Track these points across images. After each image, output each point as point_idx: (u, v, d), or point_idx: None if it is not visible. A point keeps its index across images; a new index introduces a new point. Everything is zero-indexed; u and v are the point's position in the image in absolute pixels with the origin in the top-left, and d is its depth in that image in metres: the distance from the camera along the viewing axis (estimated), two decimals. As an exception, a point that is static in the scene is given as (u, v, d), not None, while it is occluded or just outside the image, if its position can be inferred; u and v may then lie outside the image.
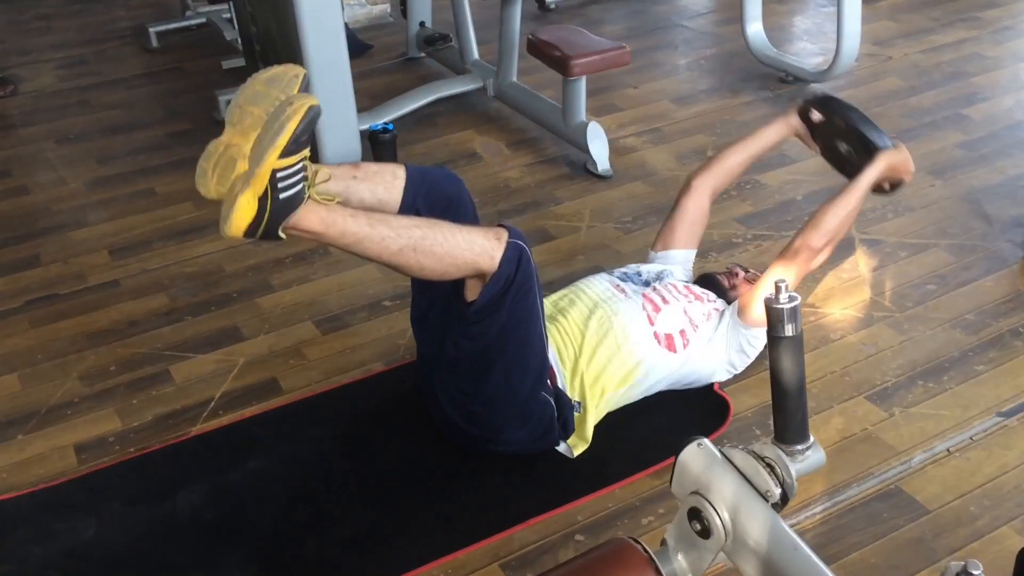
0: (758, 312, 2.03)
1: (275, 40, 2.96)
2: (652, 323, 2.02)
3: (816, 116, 2.31)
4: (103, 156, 3.38)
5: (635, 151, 3.25)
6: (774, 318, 1.03)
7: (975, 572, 0.82)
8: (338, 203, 1.68)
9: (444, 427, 1.99)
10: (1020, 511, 1.82)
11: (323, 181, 1.68)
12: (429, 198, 1.87)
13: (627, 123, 3.45)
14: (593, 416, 1.98)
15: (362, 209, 1.75)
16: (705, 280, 2.26)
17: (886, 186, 2.29)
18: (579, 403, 1.96)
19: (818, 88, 2.39)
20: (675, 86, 3.76)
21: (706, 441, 1.08)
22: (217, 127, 3.47)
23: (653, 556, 1.05)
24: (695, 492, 1.05)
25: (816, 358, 2.25)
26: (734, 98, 3.61)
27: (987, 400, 2.10)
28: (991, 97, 3.51)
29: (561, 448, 1.98)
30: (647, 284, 2.14)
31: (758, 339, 2.09)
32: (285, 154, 1.54)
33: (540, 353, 1.87)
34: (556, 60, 3.01)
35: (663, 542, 1.12)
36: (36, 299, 2.59)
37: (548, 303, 2.09)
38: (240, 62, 3.72)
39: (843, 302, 2.45)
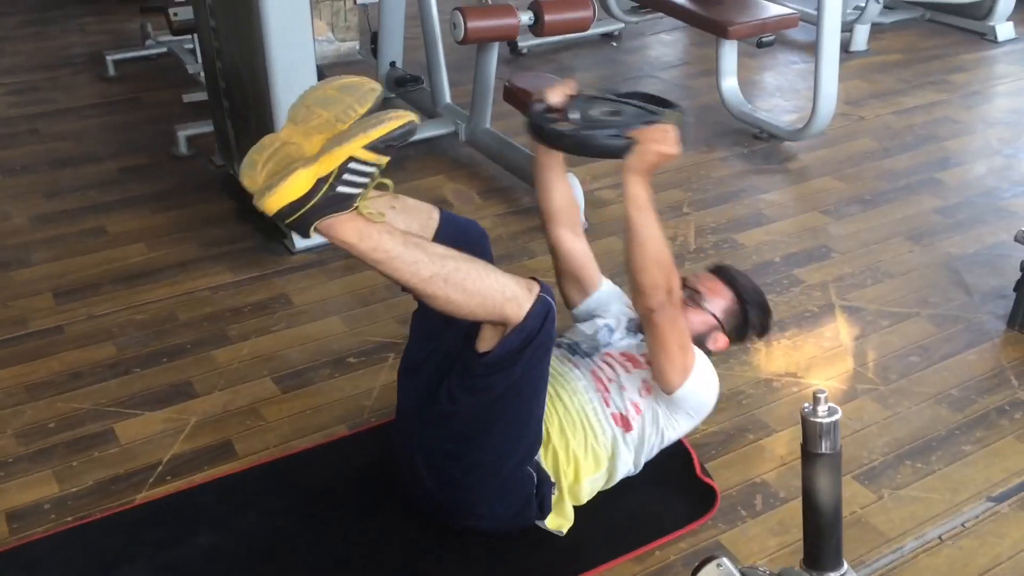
0: (668, 382, 1.82)
1: (242, 76, 2.83)
2: (608, 404, 1.89)
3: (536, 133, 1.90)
4: (51, 190, 3.20)
5: (610, 204, 3.17)
6: (810, 432, 0.93)
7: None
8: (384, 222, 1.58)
9: (416, 494, 1.85)
10: (1017, 607, 1.74)
11: (381, 195, 1.62)
12: (456, 243, 1.76)
13: (601, 175, 3.37)
14: (570, 497, 1.86)
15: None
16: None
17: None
18: (554, 484, 1.84)
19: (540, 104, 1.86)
20: (649, 138, 3.69)
21: (726, 562, 0.97)
22: (174, 162, 3.39)
23: None
24: (713, 621, 0.94)
25: (800, 433, 2.16)
26: (709, 153, 3.56)
27: (977, 483, 2.03)
28: (964, 163, 3.50)
29: (546, 528, 1.85)
30: (590, 356, 1.98)
31: (690, 394, 1.86)
32: (371, 147, 1.48)
33: (538, 423, 1.76)
34: (533, 110, 2.92)
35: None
36: (-29, 345, 2.41)
37: None
38: (202, 96, 3.57)
39: (826, 373, 2.37)
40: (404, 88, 3.79)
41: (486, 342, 1.65)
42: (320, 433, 2.14)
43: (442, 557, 1.83)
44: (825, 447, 0.93)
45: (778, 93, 4.15)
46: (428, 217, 1.79)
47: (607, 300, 2.13)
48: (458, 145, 3.50)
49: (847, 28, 4.57)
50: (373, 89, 1.55)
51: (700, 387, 1.87)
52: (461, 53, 3.71)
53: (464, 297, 1.58)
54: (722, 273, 2.08)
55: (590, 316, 2.11)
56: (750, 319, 2.03)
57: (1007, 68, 4.43)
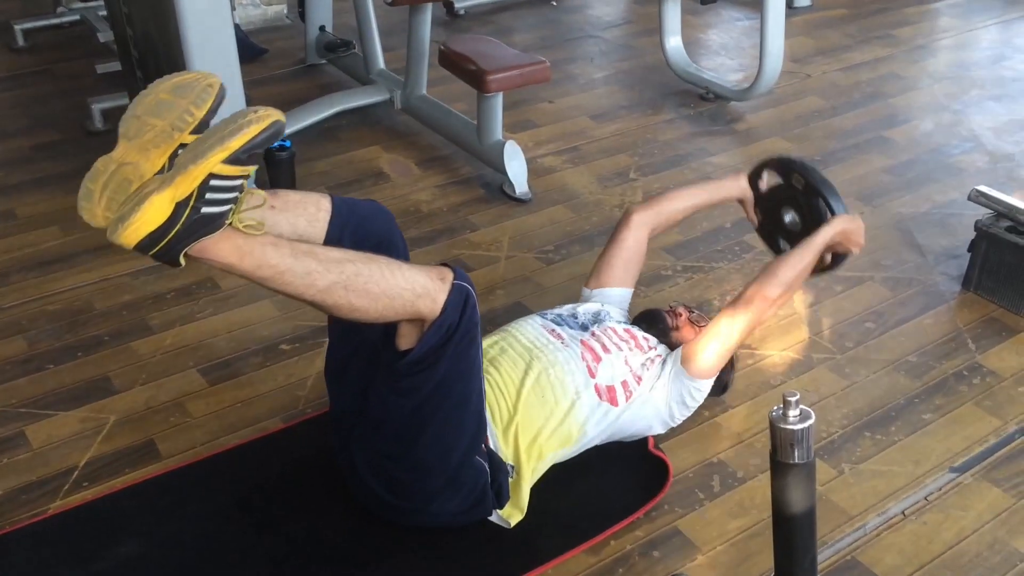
0: (704, 362, 1.85)
1: (155, 43, 2.63)
2: (593, 375, 1.81)
3: (766, 182, 2.14)
4: (-45, 171, 2.98)
5: (554, 172, 3.05)
6: (781, 439, 0.82)
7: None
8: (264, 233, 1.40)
9: (361, 496, 1.74)
10: (984, 583, 1.68)
11: (254, 206, 1.41)
12: (357, 235, 1.61)
13: (544, 141, 3.24)
14: (528, 481, 1.75)
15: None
16: (647, 318, 2.06)
17: (828, 258, 2.05)
18: (512, 467, 1.73)
19: (778, 152, 2.20)
20: (593, 101, 3.57)
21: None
22: (90, 138, 3.17)
23: None
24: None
25: (757, 407, 2.09)
26: (655, 115, 3.44)
27: (938, 454, 1.97)
28: (911, 119, 3.44)
29: (495, 519, 1.74)
30: (585, 328, 1.93)
31: (701, 391, 1.90)
32: (232, 160, 1.29)
33: (478, 412, 1.64)
34: (471, 74, 2.78)
35: None
36: None
37: None
38: (116, 66, 3.34)
39: (781, 342, 2.29)
40: (335, 54, 3.61)
41: (405, 339, 1.52)
42: (252, 428, 2.00)
43: (386, 557, 1.71)
44: (797, 456, 0.83)
45: (723, 52, 4.05)
46: (316, 208, 1.59)
47: (615, 302, 2.09)
48: (393, 113, 3.34)
49: (791, -17, 4.48)
50: (211, 85, 1.35)
51: (707, 389, 1.91)
52: (394, 16, 3.54)
53: (369, 302, 1.43)
54: None
55: (600, 301, 2.08)
56: (732, 370, 2.08)
57: (951, 21, 4.38)
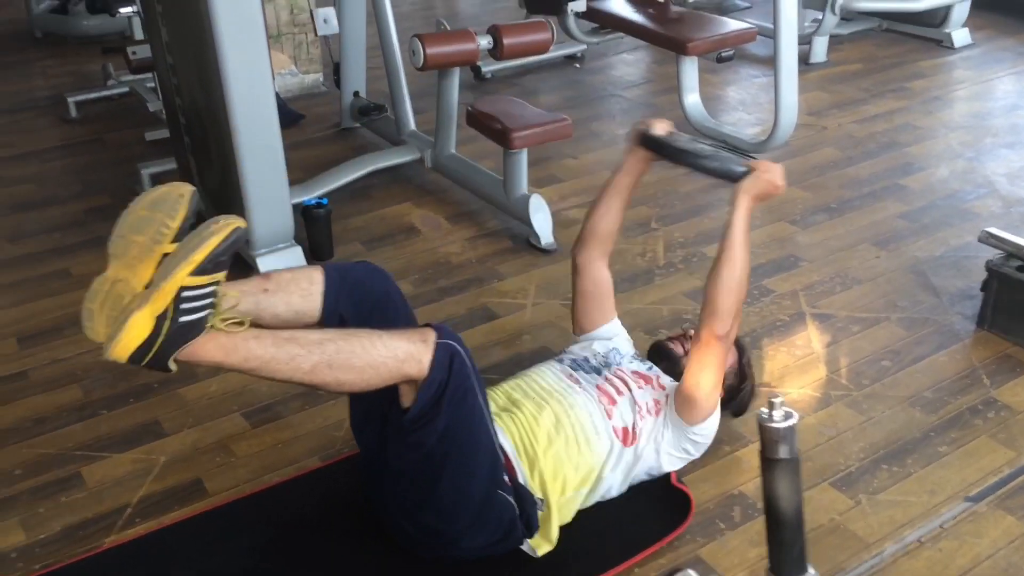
0: (693, 413, 1.93)
1: (201, 111, 2.82)
2: (610, 417, 1.91)
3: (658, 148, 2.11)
4: (14, 234, 3.17)
5: (579, 223, 3.10)
6: (768, 438, 0.92)
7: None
8: (250, 326, 1.51)
9: (396, 534, 1.83)
10: (999, 606, 1.73)
11: (231, 307, 1.52)
12: (352, 299, 1.73)
13: (568, 195, 3.38)
14: (556, 515, 1.83)
15: (278, 325, 1.62)
16: (656, 352, 2.16)
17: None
18: (542, 500, 1.82)
19: (651, 128, 2.14)
20: (615, 156, 3.68)
21: (691, 573, 0.96)
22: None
23: None
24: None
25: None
26: (675, 168, 3.52)
27: (953, 484, 2.02)
28: (926, 167, 3.54)
29: (525, 548, 1.83)
30: (599, 372, 2.02)
31: (704, 431, 1.98)
32: (199, 272, 1.42)
33: (489, 453, 1.73)
34: (497, 132, 2.93)
35: None
36: (-68, 394, 2.37)
37: (500, 393, 1.96)
38: (164, 133, 3.55)
39: (799, 381, 2.37)
40: (368, 117, 3.80)
41: (406, 397, 1.62)
42: (292, 466, 2.11)
43: (419, 587, 1.80)
44: (784, 452, 0.92)
45: (741, 107, 4.19)
46: (309, 283, 1.70)
47: (614, 335, 2.17)
48: (424, 172, 3.50)
49: (806, 41, 4.63)
50: (182, 195, 1.47)
51: (713, 427, 1.96)
52: (424, 81, 3.72)
53: (355, 375, 1.54)
54: (737, 343, 2.14)
55: (599, 337, 2.15)
56: (743, 390, 2.14)
57: (964, 73, 4.49)
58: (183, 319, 1.41)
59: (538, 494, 1.82)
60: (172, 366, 1.45)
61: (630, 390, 1.96)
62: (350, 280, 1.74)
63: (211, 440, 2.20)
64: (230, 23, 2.46)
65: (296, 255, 2.82)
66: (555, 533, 1.83)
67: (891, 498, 1.99)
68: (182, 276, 1.39)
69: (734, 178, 1.96)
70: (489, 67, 4.52)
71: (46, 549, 1.90)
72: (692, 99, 3.76)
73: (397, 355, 1.55)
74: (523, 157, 3.00)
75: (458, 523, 1.74)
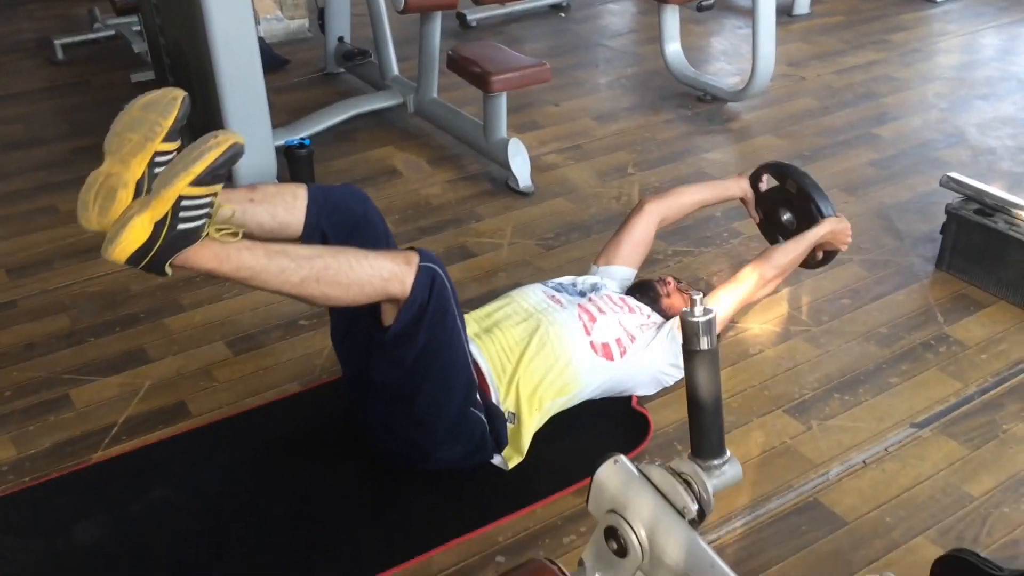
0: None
1: (185, 52, 2.87)
2: (588, 333, 2.01)
3: (765, 184, 2.42)
4: (2, 173, 3.22)
5: (556, 168, 3.24)
6: (689, 331, 1.01)
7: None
8: (243, 236, 1.59)
9: (376, 448, 1.94)
10: (934, 521, 1.84)
11: (227, 218, 1.60)
12: (334, 218, 1.80)
13: (548, 140, 3.44)
14: (529, 427, 1.95)
15: (262, 234, 1.69)
16: (638, 288, 2.26)
17: (819, 255, 2.37)
18: (514, 414, 1.93)
19: (773, 156, 2.57)
20: (596, 104, 3.77)
21: (623, 458, 1.05)
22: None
23: (570, 578, 1.02)
24: (612, 511, 1.02)
25: (736, 372, 2.26)
26: (654, 116, 3.64)
27: (901, 412, 2.13)
28: (901, 117, 3.61)
29: (496, 461, 1.94)
30: (582, 295, 2.13)
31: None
32: (198, 182, 1.48)
33: (465, 372, 1.83)
34: (476, 76, 2.99)
35: (580, 563, 1.08)
36: (-75, 322, 2.45)
37: (482, 314, 2.06)
38: (150, 75, 3.60)
39: (761, 317, 2.46)
40: (352, 62, 3.84)
41: (387, 316, 1.71)
42: (273, 391, 2.21)
43: (395, 499, 1.89)
44: (704, 344, 1.01)
45: (723, 57, 4.24)
46: (293, 197, 1.77)
47: (618, 278, 2.29)
48: (407, 116, 3.56)
49: (790, -8, 4.68)
50: (175, 98, 1.54)
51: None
52: (408, 29, 3.76)
53: (341, 291, 1.62)
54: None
55: (603, 275, 2.29)
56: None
57: (946, 26, 4.54)
58: (180, 227, 1.49)
59: (511, 409, 1.92)
60: (168, 271, 1.53)
61: (616, 312, 2.07)
62: (332, 199, 1.81)
63: (195, 366, 2.29)
64: (212, -38, 2.51)
65: (279, 194, 2.89)
66: (525, 445, 1.94)
67: (841, 424, 2.10)
68: (182, 185, 1.47)
69: (827, 213, 2.32)
70: (474, 15, 4.55)
71: (36, 464, 2.00)
72: (673, 48, 3.81)
73: (382, 274, 1.63)
74: (502, 101, 3.06)
75: (434, 435, 1.84)
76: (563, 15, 4.77)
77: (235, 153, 1.51)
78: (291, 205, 1.77)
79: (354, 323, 1.85)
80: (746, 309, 2.48)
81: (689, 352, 1.04)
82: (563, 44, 4.43)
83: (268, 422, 2.12)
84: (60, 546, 1.80)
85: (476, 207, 3.01)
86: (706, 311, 1.02)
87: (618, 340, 2.04)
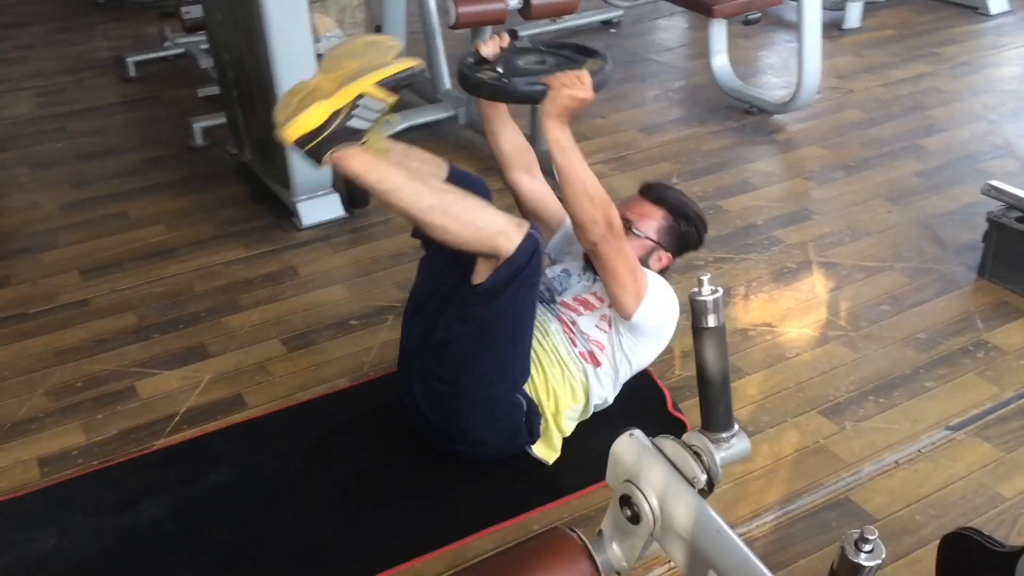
0: (623, 302, 1.94)
1: (246, 66, 3.02)
2: (575, 345, 2.03)
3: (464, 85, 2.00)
4: (77, 181, 3.42)
5: (601, 177, 3.20)
6: (697, 310, 1.08)
7: (870, 536, 0.86)
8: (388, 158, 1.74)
9: (417, 423, 2.03)
10: (965, 520, 1.87)
11: (388, 133, 1.76)
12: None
13: (595, 151, 3.52)
14: (556, 427, 2.02)
15: None
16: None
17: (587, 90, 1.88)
18: (541, 414, 2.00)
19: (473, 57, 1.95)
20: (643, 116, 3.84)
21: (638, 432, 1.13)
22: (191, 153, 3.58)
23: (588, 544, 1.09)
24: (627, 480, 1.09)
25: (772, 374, 2.30)
26: (700, 127, 3.70)
27: (936, 415, 2.15)
28: (947, 128, 3.61)
29: (535, 455, 2.01)
30: (553, 302, 2.11)
31: (647, 313, 1.96)
32: (381, 85, 1.65)
33: (524, 354, 1.91)
34: (523, 88, 3.08)
35: (599, 532, 1.16)
36: (4, 318, 2.61)
37: None
38: (215, 90, 3.77)
39: (799, 322, 2.50)
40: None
41: (480, 275, 1.81)
42: (324, 386, 2.32)
43: (436, 487, 1.99)
44: (711, 322, 1.08)
45: (770, 70, 4.28)
46: (438, 167, 1.95)
47: (572, 238, 2.17)
48: (458, 128, 3.67)
49: (840, 6, 4.70)
50: (392, 46, 1.72)
51: (657, 306, 1.98)
52: (462, 45, 3.88)
53: (459, 227, 1.75)
54: (649, 193, 2.16)
55: (559, 256, 2.25)
56: (684, 231, 2.15)
57: (997, 39, 4.51)
58: (350, 123, 1.65)
59: (538, 408, 1.99)
60: (326, 160, 1.68)
61: (577, 320, 2.05)
62: (467, 182, 1.94)
63: (251, 362, 2.41)
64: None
65: (334, 201, 3.03)
66: (558, 443, 2.02)
67: (875, 425, 2.13)
68: (367, 83, 1.63)
69: (536, 101, 1.88)
70: (526, 31, 4.66)
71: (103, 449, 2.14)
72: (720, 61, 3.87)
73: (496, 225, 1.76)
74: (549, 112, 3.14)
75: (476, 411, 1.92)
76: (613, 30, 4.86)
77: (416, 74, 1.70)
78: (435, 174, 1.91)
79: (440, 288, 1.93)
80: (785, 314, 2.52)
81: (697, 330, 1.10)
82: (612, 58, 4.49)
83: (319, 415, 2.23)
84: (122, 525, 1.92)
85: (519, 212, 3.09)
86: (713, 290, 1.09)
87: (592, 348, 2.01)
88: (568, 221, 2.19)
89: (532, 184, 2.19)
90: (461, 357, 1.88)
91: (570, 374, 2.01)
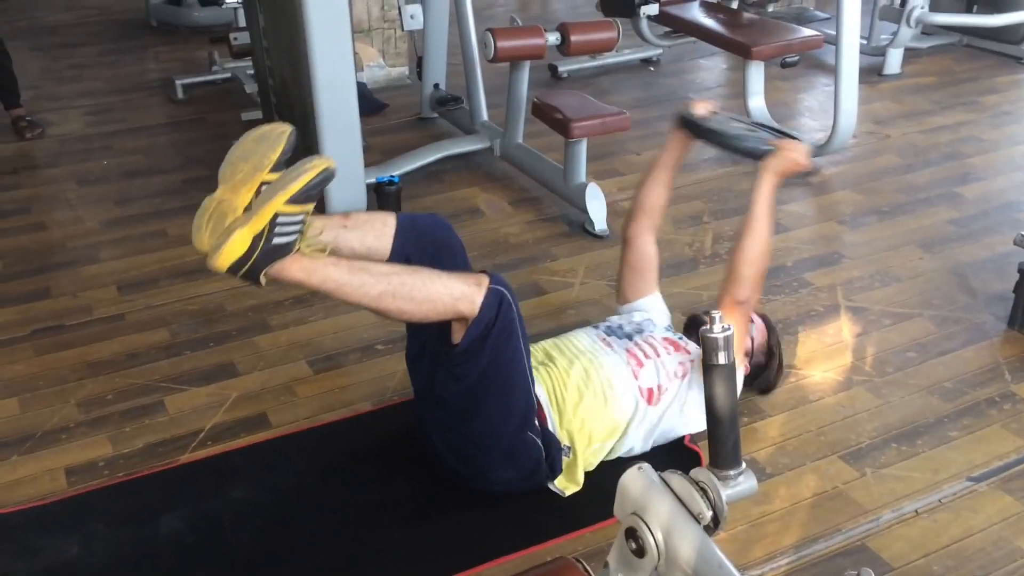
0: None
1: (290, 92, 3.10)
2: (636, 377, 2.07)
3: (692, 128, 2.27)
4: (121, 198, 3.51)
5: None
6: (708, 347, 1.09)
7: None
8: (328, 254, 1.76)
9: (438, 463, 2.05)
10: (982, 573, 1.84)
11: (316, 235, 1.77)
12: (419, 244, 1.96)
13: (627, 187, 3.54)
14: (582, 461, 2.03)
15: (352, 257, 1.85)
16: (691, 323, 2.32)
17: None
18: (569, 447, 2.01)
19: (691, 110, 2.27)
20: (677, 155, 3.86)
21: (647, 465, 1.14)
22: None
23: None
24: (634, 513, 1.10)
25: (793, 417, 2.30)
26: (734, 167, 3.71)
27: (958, 465, 2.13)
28: (985, 177, 3.59)
29: (552, 487, 2.03)
30: (630, 338, 2.20)
31: None
32: (293, 201, 1.66)
33: (524, 395, 1.93)
34: (558, 122, 3.13)
35: (605, 564, 1.17)
36: (42, 329, 2.69)
37: (539, 350, 2.15)
38: (258, 114, 3.87)
39: (824, 365, 2.49)
40: (445, 107, 4.04)
41: (456, 334, 1.84)
42: (347, 408, 2.35)
43: (451, 515, 2.00)
44: (721, 359, 1.09)
45: (807, 113, 4.29)
46: (383, 225, 1.94)
47: (653, 307, 2.33)
48: (493, 159, 3.73)
49: (880, 52, 4.71)
50: (283, 132, 1.72)
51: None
52: (500, 79, 3.95)
53: (415, 306, 1.76)
54: (767, 320, 2.35)
55: (631, 312, 2.32)
56: (771, 368, 2.30)
57: (1040, 90, 4.49)
58: (276, 240, 1.66)
59: (566, 442, 2.01)
60: (263, 280, 1.70)
61: (658, 355, 2.12)
62: (418, 227, 1.98)
63: (278, 382, 2.45)
64: (319, 10, 2.73)
65: (367, 227, 3.08)
66: (580, 477, 2.03)
67: (896, 473, 2.11)
68: (279, 203, 1.64)
69: (759, 157, 2.13)
70: (565, 67, 4.72)
71: (129, 461, 2.18)
72: (756, 102, 3.89)
73: (453, 293, 1.77)
74: (582, 147, 3.19)
75: (490, 455, 1.94)
76: (652, 69, 4.91)
77: (327, 176, 1.68)
78: (380, 232, 1.93)
79: (427, 342, 1.97)
80: (810, 356, 2.52)
81: (707, 367, 1.12)
82: (649, 96, 4.55)
83: (341, 436, 2.26)
84: (143, 536, 1.96)
85: (552, 247, 3.13)
86: (725, 327, 1.11)
87: (659, 386, 2.08)
88: (657, 294, 2.33)
89: (649, 246, 2.31)
90: (461, 410, 1.92)
91: (615, 406, 2.03)
